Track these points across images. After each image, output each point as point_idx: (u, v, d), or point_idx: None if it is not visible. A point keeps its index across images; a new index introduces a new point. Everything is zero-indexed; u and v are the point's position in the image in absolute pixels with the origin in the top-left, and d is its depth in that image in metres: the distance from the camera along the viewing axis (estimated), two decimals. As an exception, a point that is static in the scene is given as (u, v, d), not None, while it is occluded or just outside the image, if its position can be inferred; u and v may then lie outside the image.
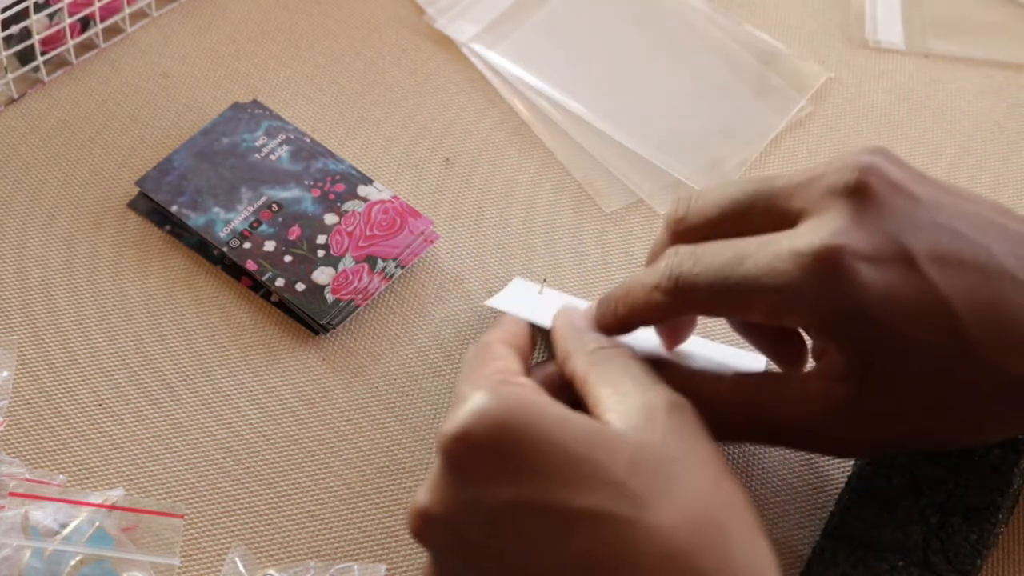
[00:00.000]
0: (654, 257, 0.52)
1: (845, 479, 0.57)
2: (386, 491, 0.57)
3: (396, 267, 0.62)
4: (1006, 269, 0.46)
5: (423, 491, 0.45)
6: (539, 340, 0.57)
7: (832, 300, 0.45)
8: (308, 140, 0.66)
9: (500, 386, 0.45)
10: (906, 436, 0.49)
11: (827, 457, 0.58)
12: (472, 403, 0.44)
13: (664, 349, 0.53)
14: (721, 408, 0.49)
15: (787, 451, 0.58)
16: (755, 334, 0.53)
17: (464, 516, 0.44)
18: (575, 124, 0.69)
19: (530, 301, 0.61)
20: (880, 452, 0.52)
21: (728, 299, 0.47)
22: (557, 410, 0.44)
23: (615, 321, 0.51)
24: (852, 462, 0.57)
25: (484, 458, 0.43)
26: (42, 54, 0.68)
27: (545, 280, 0.63)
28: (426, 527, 0.45)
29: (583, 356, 0.49)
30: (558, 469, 0.42)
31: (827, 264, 0.45)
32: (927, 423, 0.48)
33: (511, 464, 0.43)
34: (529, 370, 0.50)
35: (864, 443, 0.49)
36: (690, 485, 0.43)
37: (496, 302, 0.60)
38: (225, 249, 0.62)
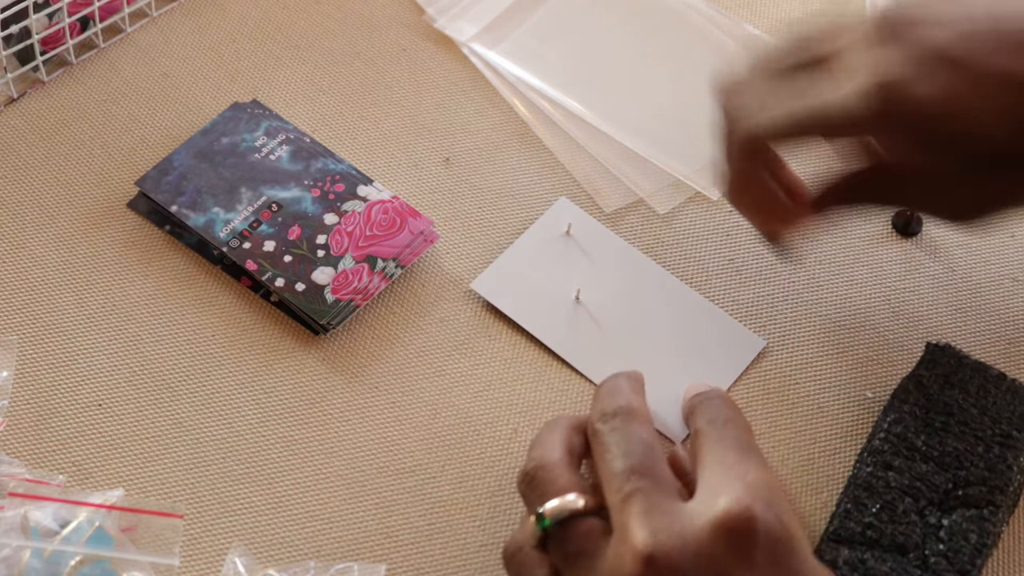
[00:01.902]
0: (724, 134, 0.58)
1: (845, 480, 0.57)
2: (386, 491, 0.57)
3: (396, 267, 0.62)
4: None
5: (658, 536, 0.45)
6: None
7: (893, 110, 0.51)
8: (308, 140, 0.66)
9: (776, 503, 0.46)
10: (1011, 191, 0.55)
11: (826, 458, 0.58)
12: (757, 489, 0.45)
13: None
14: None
15: (787, 452, 0.58)
16: None
17: None
18: (575, 124, 0.69)
19: (515, 287, 0.62)
20: (991, 209, 0.56)
21: (804, 134, 0.54)
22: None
23: (738, 202, 0.59)
24: (851, 462, 0.58)
25: (764, 549, 0.44)
26: (42, 54, 0.68)
27: (571, 225, 0.65)
28: (653, 572, 0.44)
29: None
30: None
31: (881, 83, 0.51)
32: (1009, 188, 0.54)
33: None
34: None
35: (975, 204, 0.55)
36: None
37: (482, 286, 0.62)
38: (225, 249, 0.62)
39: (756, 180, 0.58)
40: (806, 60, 0.55)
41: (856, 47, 0.54)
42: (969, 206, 0.56)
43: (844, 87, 0.53)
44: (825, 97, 0.53)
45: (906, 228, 0.66)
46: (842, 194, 0.59)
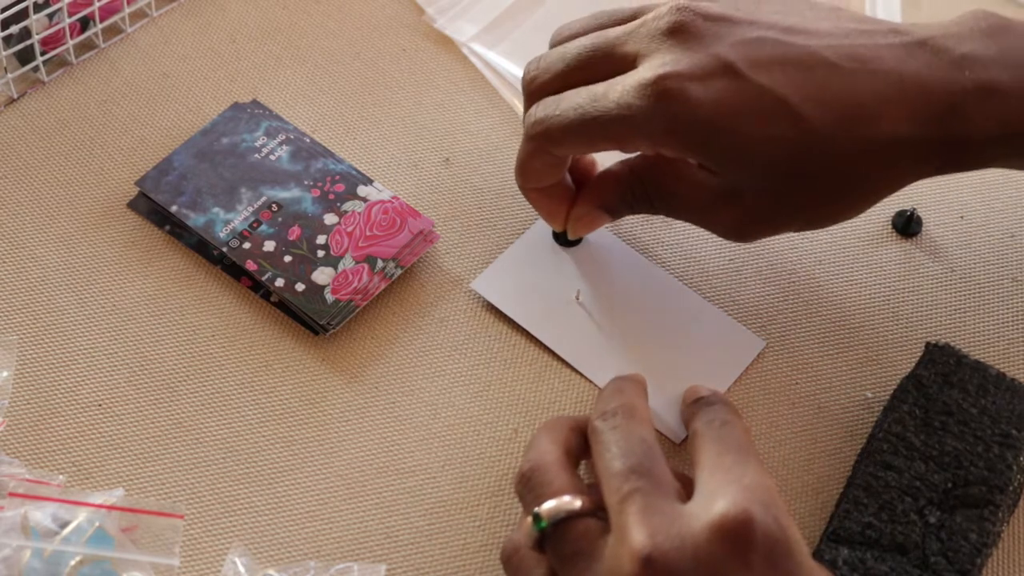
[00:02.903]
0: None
1: (845, 480, 0.57)
2: (386, 491, 0.57)
3: (396, 267, 0.62)
4: (826, 59, 0.53)
5: (656, 537, 0.44)
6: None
7: (670, 119, 0.52)
8: (308, 140, 0.66)
9: (775, 503, 0.46)
10: (786, 215, 0.55)
11: (826, 458, 0.58)
12: (754, 491, 0.45)
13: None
14: (626, 183, 0.58)
15: (787, 452, 0.58)
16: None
17: None
18: (575, 124, 0.69)
19: (515, 287, 0.62)
20: (765, 231, 0.57)
21: (588, 132, 0.54)
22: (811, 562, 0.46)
23: (523, 187, 0.60)
24: (851, 462, 0.58)
25: (762, 551, 0.44)
26: (42, 54, 0.68)
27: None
28: (651, 573, 0.44)
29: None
30: None
31: (660, 90, 0.52)
32: (799, 201, 0.54)
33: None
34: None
35: (748, 224, 0.56)
36: None
37: (482, 286, 0.62)
38: (225, 249, 0.62)
39: (541, 174, 0.59)
40: (613, 60, 0.55)
41: (651, 42, 0.54)
42: (742, 224, 0.56)
43: (626, 81, 0.53)
44: (605, 91, 0.54)
45: (906, 228, 0.66)
46: (623, 182, 0.58)
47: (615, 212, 0.60)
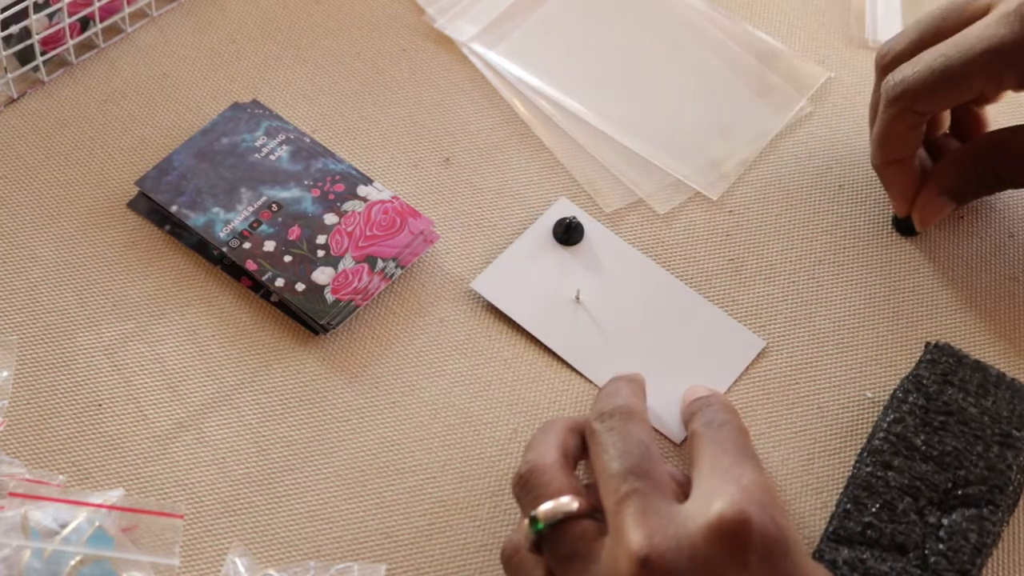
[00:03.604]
0: (874, 106, 0.62)
1: (845, 480, 0.57)
2: (386, 491, 0.57)
3: (396, 267, 0.62)
4: None
5: (654, 538, 0.44)
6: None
7: None
8: (308, 140, 0.66)
9: (774, 503, 0.46)
10: None
11: (826, 458, 0.58)
12: (752, 492, 0.45)
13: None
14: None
15: (787, 452, 0.58)
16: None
17: None
18: (575, 124, 0.69)
19: (515, 287, 0.62)
20: None
21: (953, 77, 0.55)
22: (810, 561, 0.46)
23: (881, 161, 0.61)
24: (851, 462, 0.58)
25: (759, 551, 0.44)
26: (42, 54, 0.68)
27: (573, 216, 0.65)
28: (648, 574, 0.44)
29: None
30: None
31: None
32: None
33: None
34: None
35: None
36: None
37: (482, 286, 0.62)
38: (225, 249, 0.62)
39: (902, 140, 0.59)
40: (966, 16, 0.56)
41: None
42: None
43: (987, 19, 0.54)
44: (965, 34, 0.55)
45: (906, 228, 0.66)
46: (964, 164, 0.60)
47: (960, 196, 0.61)
